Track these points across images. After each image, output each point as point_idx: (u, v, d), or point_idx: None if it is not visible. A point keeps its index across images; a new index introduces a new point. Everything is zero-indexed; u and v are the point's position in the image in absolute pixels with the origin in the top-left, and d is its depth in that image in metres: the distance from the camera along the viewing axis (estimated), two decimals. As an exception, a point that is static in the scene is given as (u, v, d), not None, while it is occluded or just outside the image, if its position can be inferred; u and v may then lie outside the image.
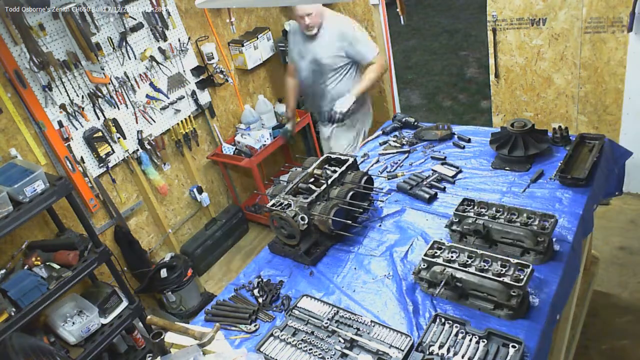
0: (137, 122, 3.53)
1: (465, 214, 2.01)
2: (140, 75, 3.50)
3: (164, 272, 3.50)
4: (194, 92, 3.88)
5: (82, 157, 3.24)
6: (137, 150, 3.57)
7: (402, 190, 2.46)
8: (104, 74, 3.27)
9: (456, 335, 1.62)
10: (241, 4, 4.04)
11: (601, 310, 2.95)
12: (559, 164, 2.25)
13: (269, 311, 1.99)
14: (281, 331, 1.79)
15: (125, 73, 3.40)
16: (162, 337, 1.70)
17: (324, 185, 2.26)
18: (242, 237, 4.42)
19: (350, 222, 2.18)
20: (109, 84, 3.32)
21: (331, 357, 1.66)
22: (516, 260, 1.73)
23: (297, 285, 2.09)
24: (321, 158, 2.51)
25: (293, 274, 2.17)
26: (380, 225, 2.30)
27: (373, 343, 1.68)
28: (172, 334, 1.91)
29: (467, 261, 1.78)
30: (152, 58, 3.53)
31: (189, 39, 3.76)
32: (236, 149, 4.08)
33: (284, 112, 4.39)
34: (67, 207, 2.94)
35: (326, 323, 1.78)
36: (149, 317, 1.92)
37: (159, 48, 3.58)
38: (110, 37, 3.27)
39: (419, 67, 6.79)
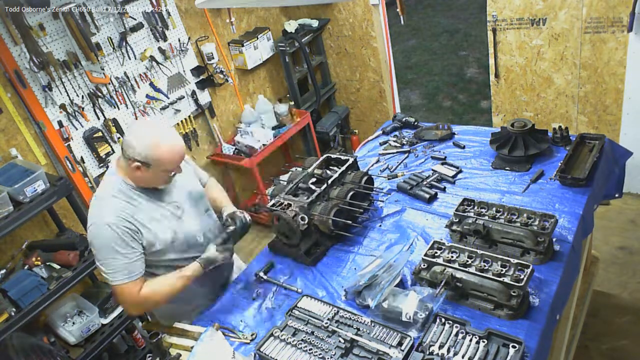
0: (137, 122, 3.54)
1: (465, 214, 2.01)
2: (140, 75, 3.50)
3: (164, 272, 3.50)
4: (194, 92, 3.88)
5: (82, 157, 3.24)
6: (137, 150, 3.57)
7: (402, 190, 2.46)
8: (104, 74, 3.27)
9: (456, 335, 1.62)
10: (241, 4, 4.04)
11: (601, 310, 2.95)
12: (559, 164, 2.25)
13: None
14: (281, 331, 1.79)
15: (125, 73, 3.40)
16: (159, 337, 1.70)
17: (324, 185, 2.26)
18: (242, 237, 4.40)
19: (350, 222, 2.18)
20: (109, 84, 3.31)
21: (331, 357, 1.66)
22: (516, 261, 1.73)
23: (297, 285, 2.09)
24: (321, 158, 2.51)
25: (293, 274, 2.17)
26: (380, 225, 2.30)
27: (373, 343, 1.68)
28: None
29: (467, 261, 1.78)
30: (152, 58, 3.52)
31: (189, 39, 3.76)
32: (236, 149, 4.08)
33: (283, 113, 4.38)
34: (67, 207, 2.94)
35: (326, 323, 1.78)
36: (144, 323, 1.92)
37: (159, 48, 3.58)
38: (110, 37, 3.26)
39: (419, 67, 6.78)
